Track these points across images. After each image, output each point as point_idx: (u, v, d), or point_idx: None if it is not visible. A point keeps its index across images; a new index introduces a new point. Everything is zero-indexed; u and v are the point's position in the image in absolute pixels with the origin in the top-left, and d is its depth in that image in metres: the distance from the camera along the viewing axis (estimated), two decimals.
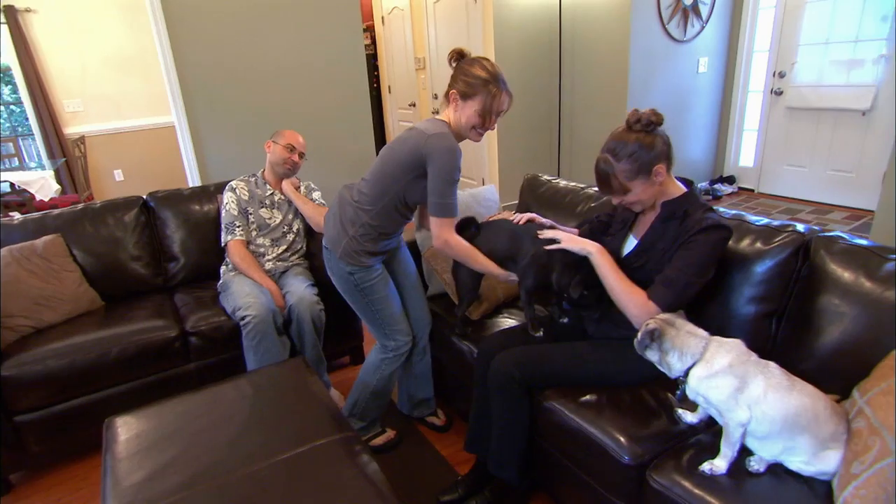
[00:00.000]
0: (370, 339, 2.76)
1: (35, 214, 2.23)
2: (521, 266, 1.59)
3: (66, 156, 4.92)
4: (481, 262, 1.63)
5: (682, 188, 1.40)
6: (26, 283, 1.99)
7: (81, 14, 4.91)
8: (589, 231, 1.67)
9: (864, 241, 1.35)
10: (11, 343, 1.91)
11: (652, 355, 1.22)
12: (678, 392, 1.20)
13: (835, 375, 1.22)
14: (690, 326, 1.19)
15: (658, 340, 1.17)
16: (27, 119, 5.00)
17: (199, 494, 1.21)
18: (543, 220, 1.68)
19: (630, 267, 1.42)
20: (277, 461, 1.28)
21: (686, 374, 1.16)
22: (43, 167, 4.79)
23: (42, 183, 3.77)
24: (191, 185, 3.24)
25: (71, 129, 5.07)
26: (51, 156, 4.97)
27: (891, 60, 3.72)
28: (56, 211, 2.29)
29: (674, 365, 1.17)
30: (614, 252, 1.48)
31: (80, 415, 1.93)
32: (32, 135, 5.08)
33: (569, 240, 1.44)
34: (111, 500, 1.23)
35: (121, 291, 2.32)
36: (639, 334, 1.21)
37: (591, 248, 1.41)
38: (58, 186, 3.93)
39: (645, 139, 1.30)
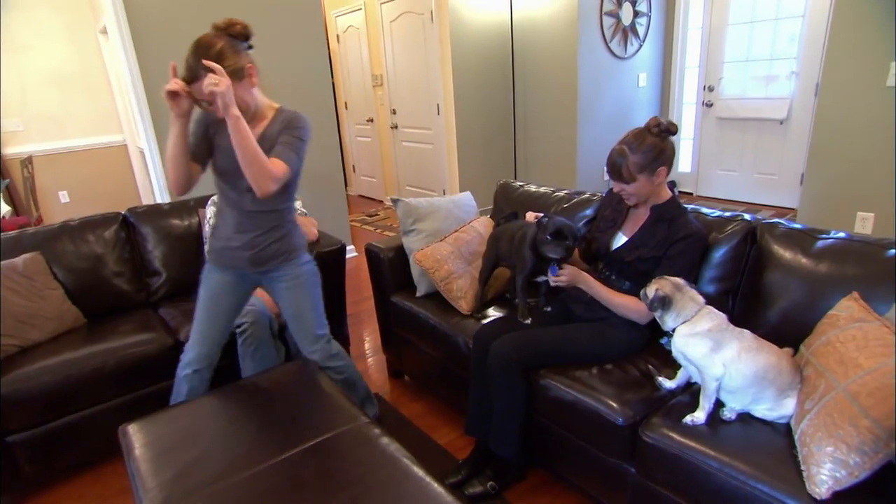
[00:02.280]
0: (356, 343, 2.86)
1: (12, 233, 2.19)
2: (515, 255, 1.77)
3: (7, 176, 4.68)
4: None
5: (670, 193, 1.64)
6: (10, 301, 1.96)
7: (20, 31, 4.73)
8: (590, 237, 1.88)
9: (798, 225, 1.61)
10: None
11: (655, 310, 1.42)
12: (664, 339, 1.41)
13: (784, 337, 1.44)
14: (693, 293, 1.40)
15: (667, 305, 1.38)
16: None
17: (236, 483, 1.27)
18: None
19: (622, 261, 1.65)
20: (306, 448, 1.37)
21: (673, 330, 1.37)
22: None
23: None
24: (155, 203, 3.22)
25: (11, 150, 4.84)
26: None
27: (800, 76, 4.23)
28: (32, 229, 2.25)
29: (667, 321, 1.39)
30: (604, 245, 1.70)
31: (73, 432, 1.91)
32: None
33: (572, 277, 1.63)
34: (145, 501, 1.27)
35: (102, 308, 2.30)
36: (651, 294, 1.41)
37: (580, 280, 1.63)
38: (8, 208, 3.76)
39: (659, 143, 1.52)
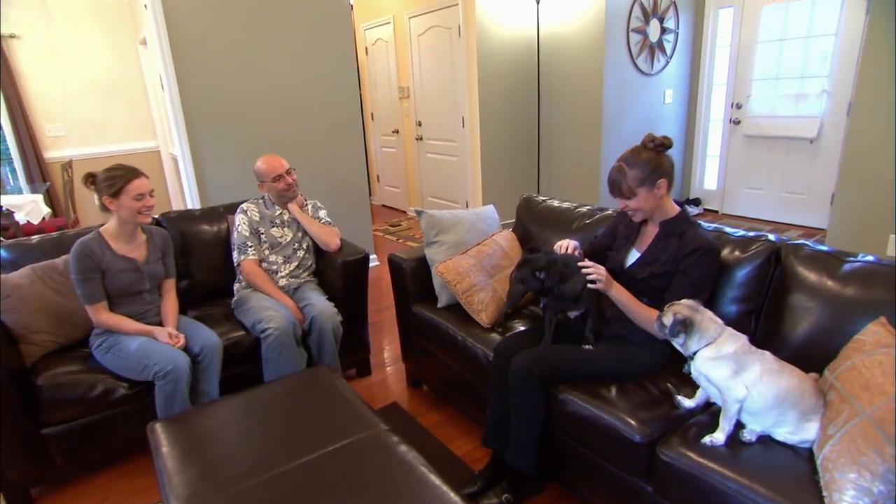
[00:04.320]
0: (376, 351, 2.90)
1: (53, 234, 2.29)
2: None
3: (48, 180, 4.89)
4: (129, 327, 1.97)
5: (677, 208, 1.64)
6: (51, 300, 2.05)
7: (65, 40, 4.96)
8: (594, 249, 1.87)
9: (824, 247, 1.59)
10: (39, 358, 1.97)
11: (676, 336, 1.39)
12: (686, 366, 1.40)
13: (807, 360, 1.43)
14: (711, 314, 1.39)
15: (689, 327, 1.36)
16: (5, 144, 4.96)
17: (258, 483, 1.31)
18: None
19: (635, 277, 1.65)
20: (326, 452, 1.41)
21: (695, 353, 1.36)
22: (20, 191, 4.76)
23: (32, 206, 3.77)
24: (188, 208, 3.33)
25: (51, 154, 5.06)
26: (30, 180, 4.94)
27: (832, 95, 4.16)
28: (72, 231, 2.35)
29: (691, 346, 1.37)
30: (619, 263, 1.70)
31: (105, 428, 1.97)
32: (11, 159, 5.04)
33: (608, 281, 1.59)
34: (171, 496, 1.32)
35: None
36: (668, 321, 1.39)
37: (613, 291, 1.60)
38: (48, 210, 3.92)
39: (655, 157, 1.55)
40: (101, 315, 1.96)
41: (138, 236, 2.08)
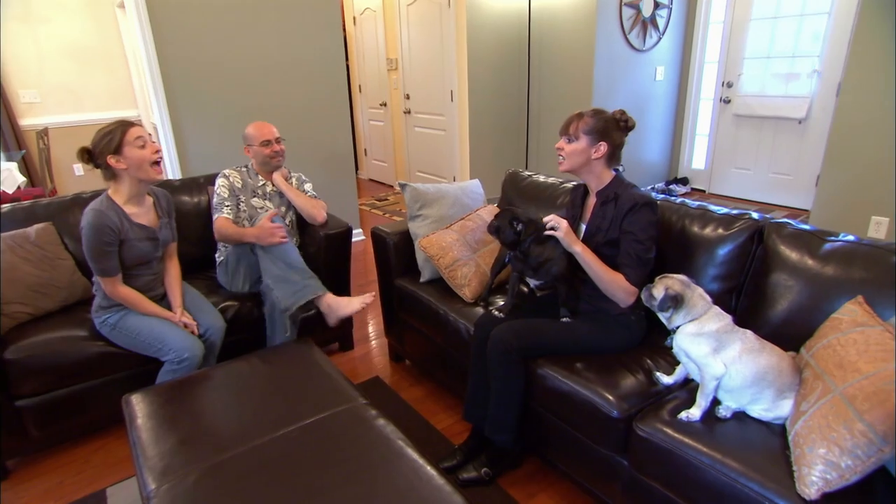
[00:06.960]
0: (359, 325, 2.88)
1: (25, 203, 2.22)
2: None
3: (23, 147, 4.74)
4: (146, 307, 1.90)
5: (611, 175, 1.68)
6: (22, 270, 1.99)
7: (40, 2, 4.76)
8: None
9: (807, 227, 1.59)
10: (11, 329, 1.92)
11: (665, 310, 1.40)
12: (669, 339, 1.42)
13: (785, 338, 1.44)
14: (701, 291, 1.40)
15: (679, 303, 1.37)
16: None
17: (233, 456, 1.30)
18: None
19: None
20: (303, 425, 1.40)
21: (677, 327, 1.36)
22: None
23: (7, 175, 3.65)
24: (168, 178, 3.24)
25: (27, 121, 4.90)
26: (4, 148, 4.78)
27: (822, 75, 4.14)
28: (45, 200, 2.28)
29: (676, 319, 1.38)
30: None
31: (82, 400, 1.95)
32: None
33: (567, 232, 1.58)
34: (145, 469, 1.31)
35: None
36: (658, 294, 1.39)
37: (577, 248, 1.58)
38: (24, 178, 3.81)
39: (614, 125, 1.64)
40: (118, 288, 1.85)
41: (146, 199, 1.94)
